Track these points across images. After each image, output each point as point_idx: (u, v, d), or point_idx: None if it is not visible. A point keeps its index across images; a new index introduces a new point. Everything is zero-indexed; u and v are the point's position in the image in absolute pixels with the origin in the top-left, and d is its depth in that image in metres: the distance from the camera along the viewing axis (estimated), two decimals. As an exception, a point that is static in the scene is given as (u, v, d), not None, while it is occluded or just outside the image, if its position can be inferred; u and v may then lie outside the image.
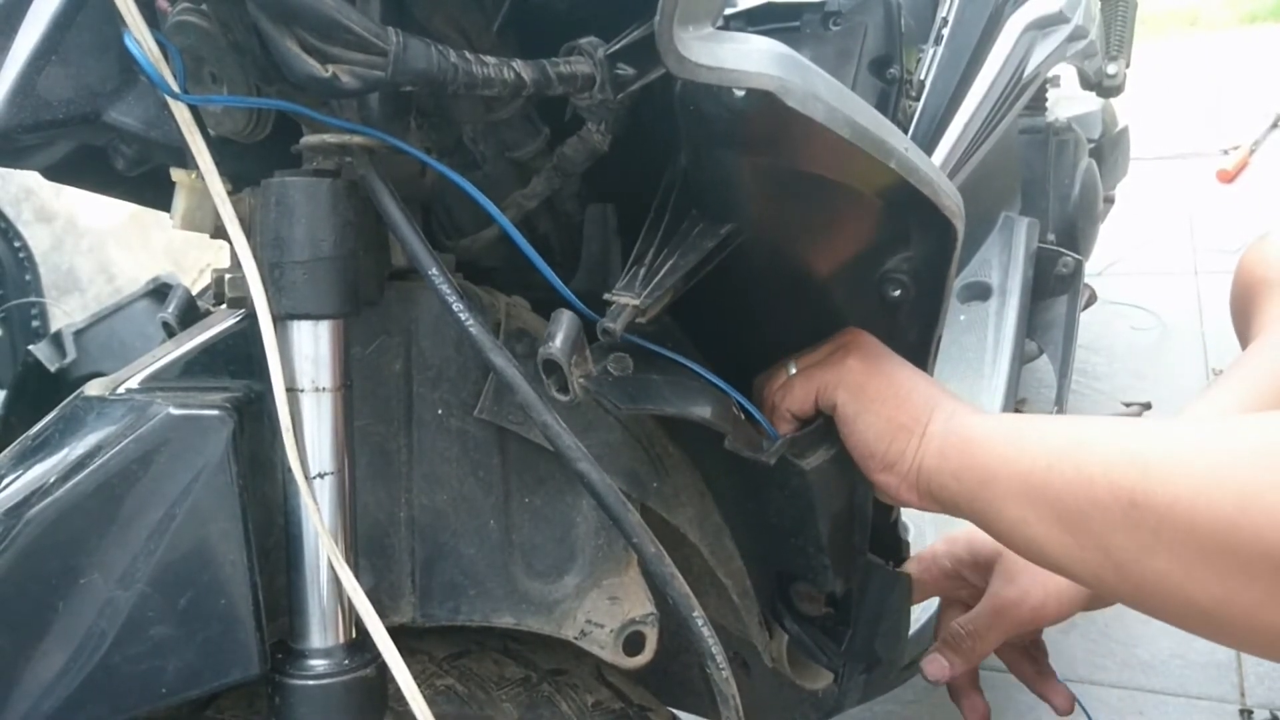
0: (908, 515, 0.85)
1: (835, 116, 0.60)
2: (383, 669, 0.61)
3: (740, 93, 0.58)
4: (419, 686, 0.58)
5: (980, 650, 0.88)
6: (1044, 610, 0.85)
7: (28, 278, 2.03)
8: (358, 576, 0.61)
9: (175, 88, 0.56)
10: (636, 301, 0.63)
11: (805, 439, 0.73)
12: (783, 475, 0.74)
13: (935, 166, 0.68)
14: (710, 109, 0.60)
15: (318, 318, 0.59)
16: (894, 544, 0.82)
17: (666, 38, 0.53)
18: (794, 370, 0.74)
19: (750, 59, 0.57)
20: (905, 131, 1.12)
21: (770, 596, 0.87)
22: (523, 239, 0.63)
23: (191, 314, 0.85)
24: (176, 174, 0.65)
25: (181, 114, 0.57)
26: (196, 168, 0.58)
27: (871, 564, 0.81)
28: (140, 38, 0.55)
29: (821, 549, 0.77)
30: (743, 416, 0.73)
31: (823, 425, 0.74)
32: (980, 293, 1.50)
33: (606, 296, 0.65)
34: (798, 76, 0.58)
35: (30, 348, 1.24)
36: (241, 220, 0.60)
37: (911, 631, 1.00)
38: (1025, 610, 0.86)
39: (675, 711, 0.86)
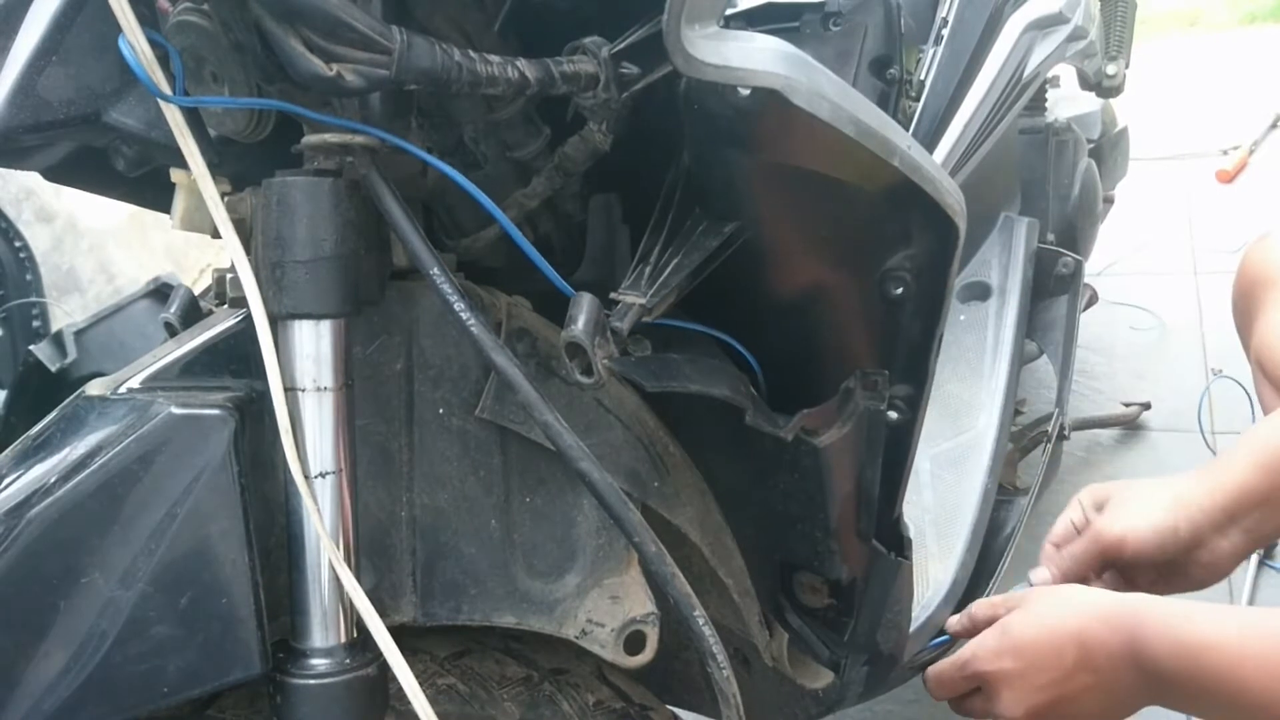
0: (908, 515, 0.85)
1: (840, 115, 0.60)
2: (384, 668, 0.61)
3: (745, 91, 0.58)
4: (420, 686, 0.58)
5: (1071, 565, 0.93)
6: (1124, 542, 0.89)
7: (28, 278, 2.03)
8: (359, 576, 0.61)
9: (168, 90, 0.56)
10: (643, 300, 0.63)
11: (819, 415, 0.74)
12: (794, 456, 0.75)
13: (938, 165, 0.68)
14: (715, 107, 0.60)
15: (319, 317, 0.59)
16: (896, 537, 0.83)
17: (674, 36, 0.53)
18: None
19: (756, 57, 0.57)
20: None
21: (772, 590, 0.87)
22: (523, 238, 0.63)
23: (193, 314, 0.85)
24: (176, 175, 0.65)
25: (174, 116, 0.57)
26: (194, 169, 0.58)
27: (876, 552, 0.81)
28: (134, 40, 0.55)
29: (829, 533, 0.77)
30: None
31: (835, 402, 0.75)
32: (980, 293, 1.50)
33: (613, 295, 0.65)
34: (803, 75, 0.59)
35: (31, 348, 1.24)
36: (243, 220, 0.60)
37: (913, 627, 1.00)
38: (1110, 535, 0.90)
39: (676, 710, 0.86)
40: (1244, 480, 0.86)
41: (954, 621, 0.93)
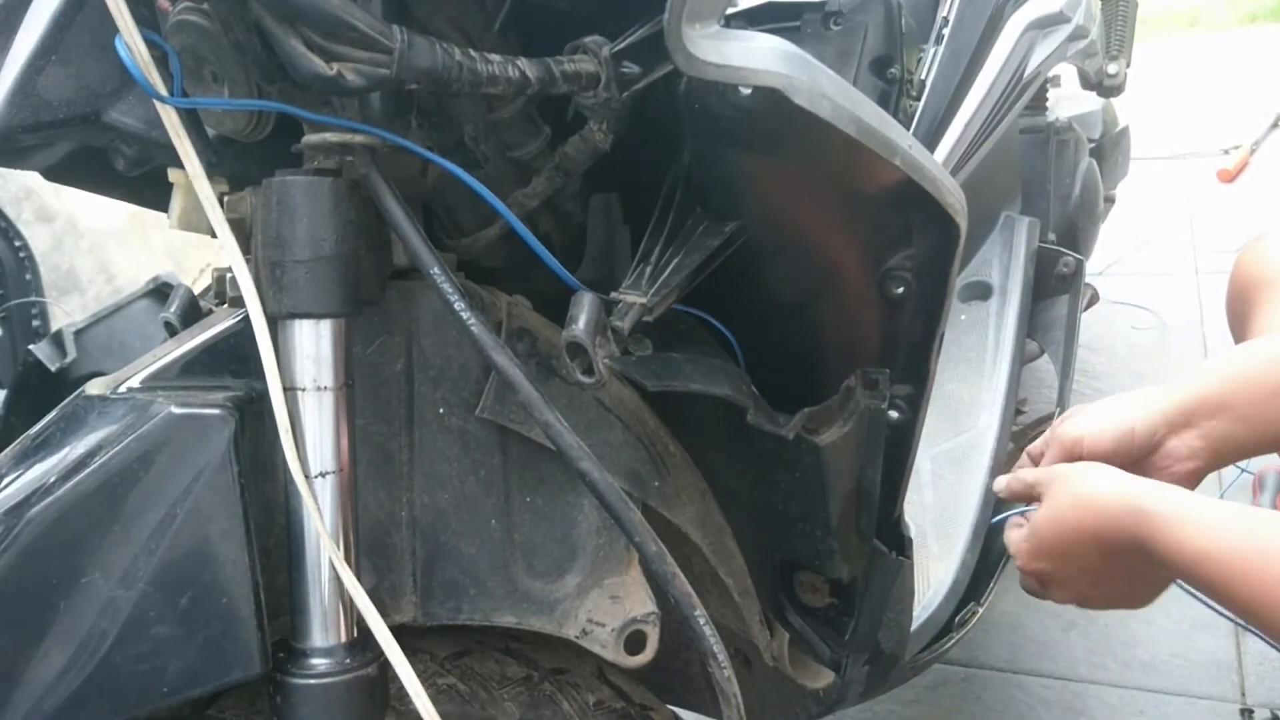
0: (908, 515, 0.85)
1: (841, 114, 0.60)
2: (384, 668, 0.61)
3: (746, 90, 0.58)
4: (421, 685, 0.58)
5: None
6: (1080, 442, 0.91)
7: (28, 277, 2.03)
8: (359, 576, 0.60)
9: (164, 91, 0.56)
10: (644, 300, 0.63)
11: (820, 414, 0.74)
12: (795, 455, 0.75)
13: (939, 164, 0.68)
14: (716, 107, 0.60)
15: (319, 317, 0.59)
16: (897, 536, 0.83)
17: (675, 35, 0.53)
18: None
19: (757, 56, 0.57)
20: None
21: (773, 590, 0.87)
22: (528, 232, 0.63)
23: (193, 314, 0.85)
24: (174, 174, 0.64)
25: (170, 117, 0.57)
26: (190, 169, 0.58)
27: (876, 551, 0.81)
28: (130, 40, 0.55)
29: (830, 532, 0.78)
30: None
31: (836, 401, 0.75)
32: (981, 292, 1.50)
33: (613, 295, 0.65)
34: (804, 74, 0.59)
35: (31, 347, 1.23)
36: (242, 219, 0.60)
37: (914, 626, 1.00)
38: (1068, 436, 0.93)
39: (676, 710, 0.86)
40: (1205, 385, 0.88)
41: (1001, 482, 0.95)
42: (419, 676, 0.58)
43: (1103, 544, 0.79)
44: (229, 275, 0.63)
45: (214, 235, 0.60)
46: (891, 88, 1.09)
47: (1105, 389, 2.13)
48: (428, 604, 0.70)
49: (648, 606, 0.72)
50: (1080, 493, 0.82)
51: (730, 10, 1.10)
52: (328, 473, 0.60)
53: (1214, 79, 3.59)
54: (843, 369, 0.76)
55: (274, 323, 0.59)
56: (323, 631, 0.61)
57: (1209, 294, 2.39)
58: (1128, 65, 1.86)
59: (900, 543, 0.83)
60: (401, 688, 0.58)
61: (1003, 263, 1.51)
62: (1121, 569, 0.80)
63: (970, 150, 1.20)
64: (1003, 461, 1.30)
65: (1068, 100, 1.95)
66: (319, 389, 0.59)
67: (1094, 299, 1.87)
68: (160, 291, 1.23)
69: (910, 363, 0.76)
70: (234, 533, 0.57)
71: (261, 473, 0.62)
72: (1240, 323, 1.07)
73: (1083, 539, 0.80)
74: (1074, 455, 0.91)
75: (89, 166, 0.69)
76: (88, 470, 0.54)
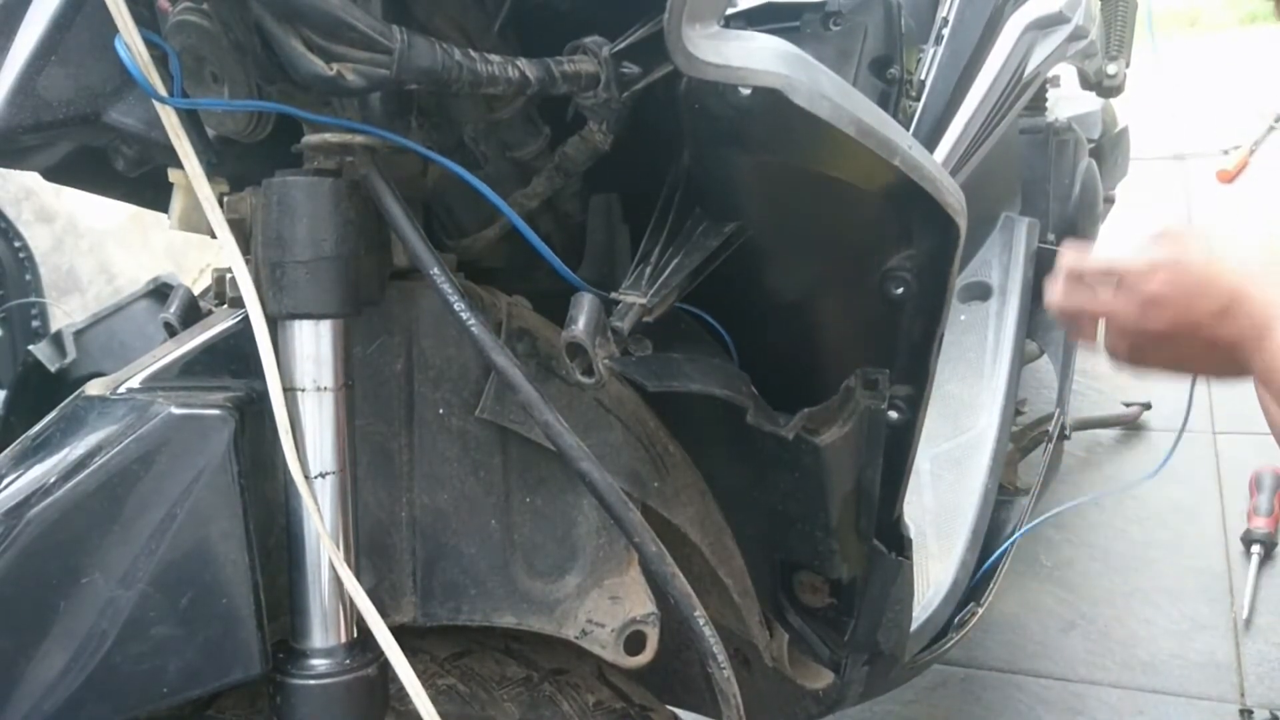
0: (908, 515, 0.85)
1: (841, 114, 0.60)
2: (384, 668, 0.61)
3: (746, 90, 0.58)
4: (421, 686, 0.58)
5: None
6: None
7: (28, 278, 2.03)
8: (359, 576, 0.61)
9: (164, 91, 0.56)
10: (643, 300, 0.63)
11: (820, 415, 0.74)
12: (794, 455, 0.75)
13: (938, 165, 0.68)
14: (716, 107, 0.60)
15: (319, 317, 0.59)
16: (896, 537, 0.83)
17: (675, 35, 0.53)
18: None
19: (757, 57, 0.57)
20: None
21: (772, 590, 0.87)
22: (530, 231, 0.63)
23: (193, 314, 0.85)
24: (174, 175, 0.65)
25: (169, 117, 0.57)
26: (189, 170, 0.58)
27: (876, 551, 0.81)
28: (130, 40, 0.55)
29: (830, 532, 0.78)
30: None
31: (836, 401, 0.75)
32: (980, 293, 1.50)
33: (613, 295, 0.65)
34: (804, 74, 0.59)
35: (31, 348, 1.24)
36: (243, 220, 0.60)
37: (914, 627, 1.00)
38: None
39: (676, 710, 0.86)
40: None
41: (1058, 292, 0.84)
42: (419, 677, 0.58)
43: (1237, 301, 0.72)
44: (229, 275, 0.63)
45: (214, 235, 0.60)
46: (891, 88, 1.09)
47: (1105, 389, 2.13)
48: (428, 604, 0.70)
49: (647, 607, 0.72)
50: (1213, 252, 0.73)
51: (730, 10, 1.10)
52: (328, 473, 0.60)
53: (1214, 79, 3.59)
54: (842, 369, 0.76)
55: (274, 323, 0.59)
56: (323, 632, 0.61)
57: (1209, 294, 2.38)
58: (1127, 65, 1.86)
59: (900, 543, 0.83)
60: (401, 688, 0.58)
61: (1002, 263, 1.51)
62: (1228, 333, 0.73)
63: (970, 151, 1.20)
64: (1002, 462, 1.31)
65: (1067, 100, 1.95)
66: (319, 389, 0.59)
67: (1094, 299, 1.87)
68: (160, 292, 1.23)
69: (910, 363, 0.76)
70: (234, 533, 0.57)
71: (261, 473, 0.62)
72: None
73: (1212, 290, 0.73)
74: None
75: (89, 167, 0.69)
76: (88, 471, 0.54)
